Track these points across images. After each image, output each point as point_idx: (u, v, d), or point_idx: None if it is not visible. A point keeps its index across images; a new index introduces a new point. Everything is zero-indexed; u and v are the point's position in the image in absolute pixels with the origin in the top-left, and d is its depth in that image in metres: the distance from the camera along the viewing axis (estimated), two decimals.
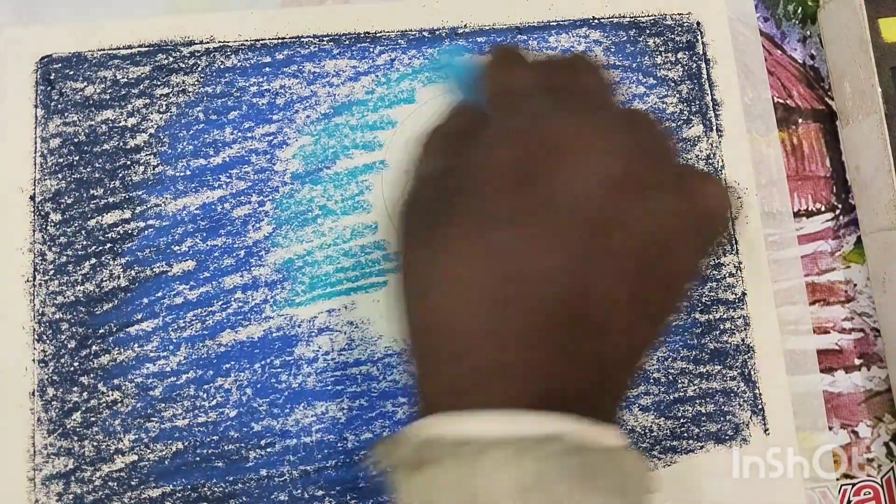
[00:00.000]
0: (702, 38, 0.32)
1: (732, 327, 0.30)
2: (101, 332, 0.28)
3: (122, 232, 0.29)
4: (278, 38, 0.31)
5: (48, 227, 0.28)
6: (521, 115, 0.20)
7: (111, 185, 0.29)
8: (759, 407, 0.30)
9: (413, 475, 0.17)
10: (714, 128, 0.32)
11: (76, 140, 0.29)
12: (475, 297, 0.18)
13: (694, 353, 0.30)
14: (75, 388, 0.27)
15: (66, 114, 0.29)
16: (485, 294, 0.18)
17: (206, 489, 0.27)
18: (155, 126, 0.29)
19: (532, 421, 0.17)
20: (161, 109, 0.30)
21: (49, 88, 0.29)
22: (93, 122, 0.29)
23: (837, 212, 0.32)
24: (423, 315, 0.20)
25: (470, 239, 0.19)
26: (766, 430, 0.30)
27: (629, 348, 0.20)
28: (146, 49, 0.30)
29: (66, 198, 0.29)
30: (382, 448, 0.19)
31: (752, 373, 0.30)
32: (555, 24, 0.32)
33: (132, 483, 0.27)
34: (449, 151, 0.21)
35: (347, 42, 0.31)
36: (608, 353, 0.19)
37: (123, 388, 0.27)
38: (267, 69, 0.30)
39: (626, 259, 0.18)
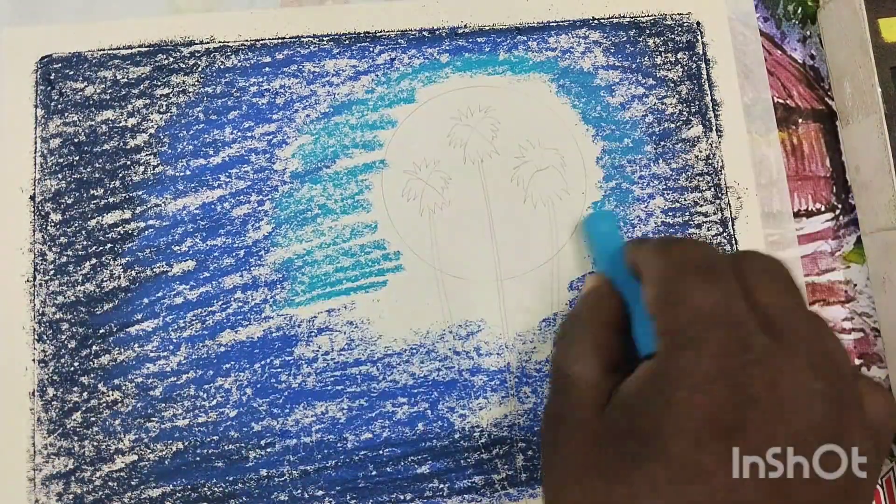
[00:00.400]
0: (702, 38, 0.32)
1: None
2: (101, 332, 0.28)
3: (122, 232, 0.29)
4: (278, 38, 0.31)
5: (48, 227, 0.28)
6: (717, 350, 0.18)
7: (111, 185, 0.29)
8: None
9: None
10: (714, 128, 0.32)
11: (76, 140, 0.29)
12: None
13: None
14: (75, 388, 0.27)
15: (66, 114, 0.29)
16: None
17: (206, 489, 0.27)
18: (155, 126, 0.29)
19: None
20: (161, 109, 0.30)
21: (49, 88, 0.29)
22: (93, 122, 0.29)
23: (837, 212, 0.32)
24: None
25: (661, 497, 0.17)
26: None
27: None
28: (146, 49, 0.30)
29: (66, 198, 0.29)
30: None
31: None
32: (555, 24, 0.32)
33: (132, 483, 0.27)
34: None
35: (347, 42, 0.31)
36: None
37: (123, 388, 0.27)
38: (267, 69, 0.30)
39: None
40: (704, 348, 0.18)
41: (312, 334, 0.28)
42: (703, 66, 0.32)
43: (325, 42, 0.31)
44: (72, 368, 0.27)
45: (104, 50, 0.30)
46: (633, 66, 0.32)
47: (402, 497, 0.28)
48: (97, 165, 0.29)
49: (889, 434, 0.20)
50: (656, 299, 0.20)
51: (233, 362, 0.28)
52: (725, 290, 0.19)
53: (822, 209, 0.32)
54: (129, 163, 0.29)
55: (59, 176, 0.29)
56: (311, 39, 0.31)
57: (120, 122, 0.29)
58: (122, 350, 0.28)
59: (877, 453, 0.19)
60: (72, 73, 0.29)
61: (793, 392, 0.18)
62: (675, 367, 0.18)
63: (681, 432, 0.17)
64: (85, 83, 0.29)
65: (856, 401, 0.19)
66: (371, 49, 0.31)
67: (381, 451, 0.28)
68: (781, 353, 0.18)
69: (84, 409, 0.27)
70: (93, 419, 0.27)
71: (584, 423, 0.20)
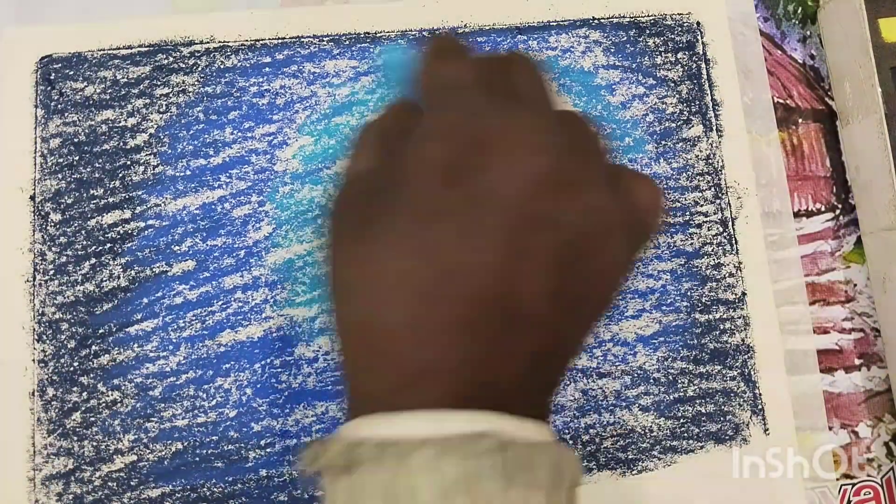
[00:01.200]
0: (702, 38, 0.32)
1: (732, 327, 0.30)
2: (101, 332, 0.28)
3: (122, 232, 0.29)
4: (278, 38, 0.31)
5: (48, 227, 0.28)
6: (453, 110, 0.20)
7: (111, 185, 0.29)
8: (759, 407, 0.30)
9: (339, 478, 0.17)
10: (714, 128, 0.32)
11: (76, 140, 0.29)
12: (404, 294, 0.18)
13: (694, 353, 0.30)
14: (75, 388, 0.27)
15: (66, 114, 0.29)
16: (414, 291, 0.18)
17: (205, 489, 0.27)
18: (155, 126, 0.29)
19: (459, 420, 0.17)
20: (161, 109, 0.30)
21: (49, 88, 0.29)
22: (93, 122, 0.29)
23: (837, 212, 0.32)
24: (352, 313, 0.19)
25: (399, 235, 0.19)
26: (766, 430, 0.30)
27: (559, 343, 0.20)
28: (146, 49, 0.30)
29: (66, 198, 0.29)
30: (311, 451, 0.18)
31: (752, 373, 0.30)
32: (555, 24, 0.32)
33: (132, 483, 0.27)
34: (381, 148, 0.21)
35: (347, 42, 0.31)
36: (538, 347, 0.19)
37: (123, 388, 0.27)
38: (267, 69, 0.30)
39: (554, 254, 0.19)
40: (447, 109, 0.21)
41: (313, 334, 0.28)
42: (704, 66, 0.32)
43: (325, 42, 0.31)
44: (72, 368, 0.27)
45: (104, 50, 0.30)
46: (634, 65, 0.32)
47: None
48: (97, 165, 0.29)
49: (651, 220, 0.22)
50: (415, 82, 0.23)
51: (233, 362, 0.28)
52: (473, 66, 0.22)
53: (822, 209, 0.32)
54: (129, 163, 0.29)
55: (59, 176, 0.29)
56: (311, 39, 0.31)
57: (120, 122, 0.29)
58: (122, 350, 0.28)
59: (637, 236, 0.21)
60: (72, 73, 0.29)
61: (531, 140, 0.19)
62: (420, 126, 0.20)
63: (417, 177, 0.19)
64: (85, 83, 0.29)
65: (603, 167, 0.21)
66: (371, 49, 0.31)
67: None
68: (523, 113, 0.20)
69: (84, 409, 0.27)
70: (93, 419, 0.27)
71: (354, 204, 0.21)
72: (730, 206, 0.31)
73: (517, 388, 0.19)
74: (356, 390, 0.20)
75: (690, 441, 0.29)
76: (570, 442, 0.29)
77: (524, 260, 0.18)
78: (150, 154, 0.29)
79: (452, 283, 0.18)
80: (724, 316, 0.30)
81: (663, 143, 0.31)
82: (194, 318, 0.28)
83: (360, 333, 0.19)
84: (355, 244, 0.19)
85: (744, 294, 0.31)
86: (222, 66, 0.30)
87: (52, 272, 0.28)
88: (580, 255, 0.19)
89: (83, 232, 0.28)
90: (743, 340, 0.30)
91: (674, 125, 0.32)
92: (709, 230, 0.31)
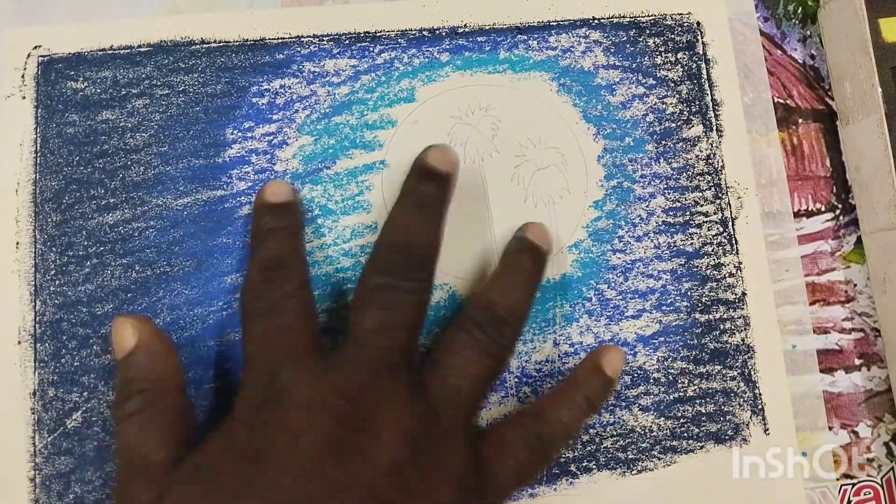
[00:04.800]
0: (702, 38, 0.32)
1: (732, 327, 0.30)
2: (101, 332, 0.28)
3: (122, 232, 0.29)
4: (278, 38, 0.31)
5: (48, 227, 0.28)
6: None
7: (111, 185, 0.29)
8: (759, 407, 0.30)
9: None
10: (714, 128, 0.32)
11: (76, 140, 0.29)
12: None
13: (694, 353, 0.30)
14: (75, 388, 0.27)
15: (66, 114, 0.29)
16: None
17: None
18: (155, 126, 0.29)
19: None
20: (161, 109, 0.30)
21: (49, 88, 0.29)
22: (93, 122, 0.29)
23: (837, 212, 0.32)
24: None
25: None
26: (766, 430, 0.30)
27: None
28: (146, 49, 0.30)
29: (66, 198, 0.29)
30: None
31: (752, 373, 0.30)
32: (555, 24, 0.32)
33: None
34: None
35: (347, 42, 0.31)
36: None
37: None
38: (267, 69, 0.30)
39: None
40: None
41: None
42: (704, 65, 0.32)
43: (325, 42, 0.31)
44: (72, 368, 0.27)
45: (104, 50, 0.30)
46: (634, 65, 0.32)
47: None
48: (97, 165, 0.29)
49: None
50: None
51: (233, 362, 0.28)
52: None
53: (822, 209, 0.32)
54: (129, 163, 0.29)
55: (59, 176, 0.29)
56: (311, 39, 0.31)
57: (120, 122, 0.29)
58: None
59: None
60: (72, 73, 0.29)
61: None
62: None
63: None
64: (85, 83, 0.29)
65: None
66: (371, 49, 0.31)
67: None
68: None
69: (84, 409, 0.27)
70: (93, 419, 0.27)
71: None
72: (730, 206, 0.31)
73: None
74: None
75: (690, 441, 0.29)
76: (572, 442, 0.29)
77: None
78: (150, 154, 0.29)
79: None
80: (724, 316, 0.30)
81: (663, 143, 0.31)
82: (195, 318, 0.28)
83: None
84: None
85: (744, 294, 0.31)
86: (222, 66, 0.30)
87: (52, 272, 0.28)
88: None
89: (83, 232, 0.28)
90: (743, 340, 0.30)
91: (674, 125, 0.32)
92: (709, 230, 0.31)
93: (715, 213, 0.31)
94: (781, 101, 0.33)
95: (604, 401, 0.26)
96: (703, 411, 0.30)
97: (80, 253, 0.28)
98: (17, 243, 0.28)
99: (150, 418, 0.22)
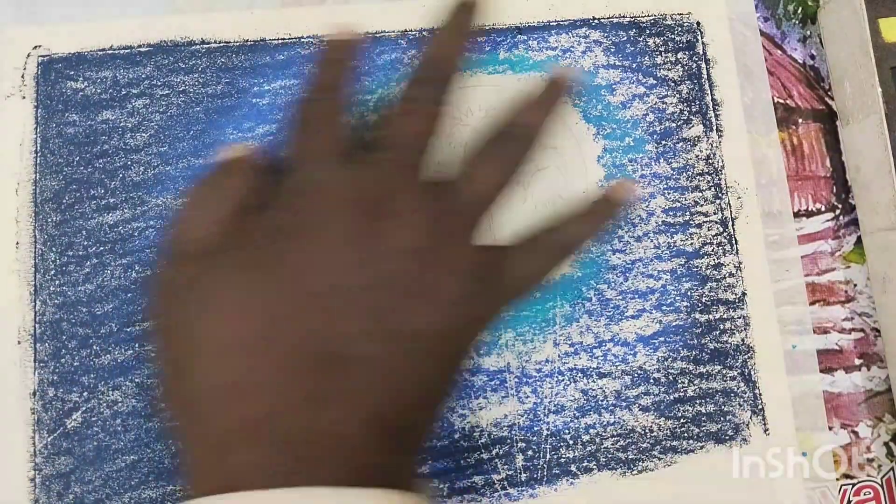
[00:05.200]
0: (702, 38, 0.32)
1: (732, 327, 0.30)
2: (101, 332, 0.28)
3: (122, 232, 0.29)
4: (278, 38, 0.31)
5: (48, 227, 0.28)
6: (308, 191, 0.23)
7: (111, 185, 0.29)
8: (759, 407, 0.30)
9: None
10: (714, 128, 0.32)
11: (76, 140, 0.29)
12: (231, 351, 0.19)
13: (694, 353, 0.30)
14: (75, 388, 0.27)
15: (66, 114, 0.29)
16: (239, 347, 0.19)
17: None
18: (155, 126, 0.29)
19: (272, 499, 0.17)
20: (161, 109, 0.30)
21: (49, 88, 0.29)
22: (93, 122, 0.29)
23: (837, 212, 0.32)
24: (188, 381, 0.20)
25: (231, 290, 0.20)
26: (766, 430, 0.30)
27: (398, 389, 0.20)
28: (146, 49, 0.30)
29: (66, 198, 0.29)
30: None
31: (752, 373, 0.30)
32: (555, 24, 0.32)
33: (132, 483, 0.27)
34: (223, 216, 0.23)
35: None
36: (372, 395, 0.19)
37: (123, 388, 0.27)
38: (267, 69, 0.30)
39: (372, 295, 0.20)
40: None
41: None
42: (703, 66, 0.32)
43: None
44: (72, 368, 0.27)
45: (104, 50, 0.30)
46: (634, 65, 0.32)
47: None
48: (97, 165, 0.29)
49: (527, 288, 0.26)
50: None
51: None
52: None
53: (822, 209, 0.32)
54: (129, 163, 0.29)
55: (59, 176, 0.29)
56: (311, 40, 0.31)
57: (120, 122, 0.29)
58: (122, 350, 0.28)
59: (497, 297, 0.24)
60: (72, 73, 0.29)
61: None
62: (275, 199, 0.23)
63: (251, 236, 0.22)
64: (85, 83, 0.29)
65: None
66: (371, 49, 0.31)
67: None
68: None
69: (84, 409, 0.27)
70: (93, 419, 0.27)
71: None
72: (730, 206, 0.31)
73: (362, 449, 0.19)
74: (182, 464, 0.20)
75: (690, 441, 0.29)
76: (571, 442, 0.29)
77: (341, 302, 0.20)
78: (150, 154, 0.29)
79: (275, 334, 0.19)
80: (724, 316, 0.30)
81: (663, 143, 0.31)
82: None
83: (189, 401, 0.20)
84: (186, 308, 0.20)
85: (744, 294, 0.31)
86: (222, 66, 0.30)
87: (52, 272, 0.28)
88: (405, 296, 0.21)
89: (83, 232, 0.28)
90: (743, 340, 0.30)
91: (674, 125, 0.32)
92: (709, 230, 0.31)
93: (715, 213, 0.31)
94: (781, 101, 0.33)
95: (612, 221, 0.28)
96: (704, 411, 0.30)
97: (80, 253, 0.28)
98: (17, 243, 0.28)
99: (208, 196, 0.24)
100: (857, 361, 0.31)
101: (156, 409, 0.23)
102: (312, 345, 0.19)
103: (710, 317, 0.30)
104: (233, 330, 0.20)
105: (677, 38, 0.32)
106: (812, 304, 0.32)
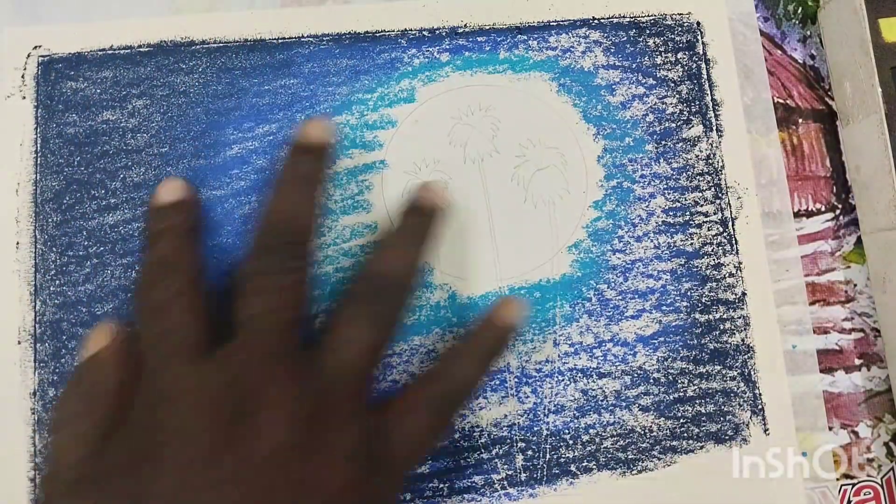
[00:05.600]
0: (702, 38, 0.32)
1: (732, 327, 0.30)
2: None
3: (122, 232, 0.29)
4: (278, 38, 0.31)
5: (48, 227, 0.28)
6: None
7: (111, 186, 0.29)
8: (759, 407, 0.30)
9: None
10: (714, 128, 0.32)
11: (76, 140, 0.29)
12: None
13: (694, 353, 0.30)
14: None
15: (66, 114, 0.29)
16: None
17: None
18: (155, 126, 0.29)
19: None
20: (161, 110, 0.30)
21: (49, 88, 0.29)
22: (93, 122, 0.29)
23: (837, 212, 0.32)
24: None
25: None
26: (766, 430, 0.30)
27: None
28: (146, 49, 0.30)
29: (66, 198, 0.29)
30: None
31: (752, 373, 0.30)
32: (555, 24, 0.32)
33: None
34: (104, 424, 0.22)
35: (347, 42, 0.31)
36: None
37: None
38: (267, 69, 0.30)
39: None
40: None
41: (312, 334, 0.28)
42: (703, 66, 0.32)
43: (325, 42, 0.31)
44: (72, 368, 0.27)
45: (104, 50, 0.30)
46: (634, 65, 0.32)
47: (401, 497, 0.28)
48: (97, 165, 0.29)
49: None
50: None
51: None
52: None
53: (822, 209, 0.32)
54: (129, 163, 0.29)
55: (59, 176, 0.29)
56: (311, 39, 0.31)
57: (120, 122, 0.29)
58: None
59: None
60: (72, 73, 0.29)
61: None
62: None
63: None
64: (85, 83, 0.29)
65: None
66: (371, 49, 0.31)
67: None
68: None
69: None
70: None
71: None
72: (730, 206, 0.31)
73: None
74: None
75: (690, 441, 0.29)
76: (570, 442, 0.29)
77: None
78: (150, 154, 0.29)
79: None
80: (724, 316, 0.30)
81: (663, 143, 0.31)
82: None
83: None
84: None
85: (744, 294, 0.31)
86: (222, 66, 0.30)
87: (52, 272, 0.28)
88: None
89: (84, 232, 0.28)
90: (743, 340, 0.30)
91: (674, 125, 0.32)
92: (709, 230, 0.31)
93: (715, 213, 0.31)
94: (781, 101, 0.33)
95: (501, 353, 0.26)
96: (703, 411, 0.30)
97: (80, 253, 0.28)
98: (17, 243, 0.28)
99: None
100: (857, 361, 0.31)
101: None
102: None
103: (710, 317, 0.30)
104: None
105: (677, 38, 0.32)
106: (812, 304, 0.32)
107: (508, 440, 0.28)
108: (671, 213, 0.31)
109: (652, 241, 0.31)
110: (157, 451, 0.20)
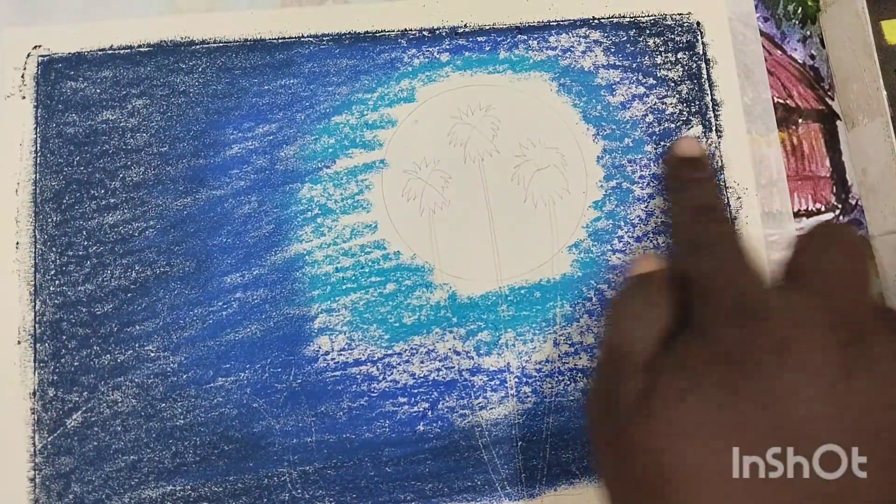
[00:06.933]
0: (702, 38, 0.32)
1: None
2: (101, 332, 0.28)
3: (122, 232, 0.29)
4: (278, 38, 0.31)
5: (48, 227, 0.28)
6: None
7: (111, 186, 0.29)
8: None
9: None
10: (714, 128, 0.32)
11: (76, 140, 0.29)
12: (715, 488, 0.18)
13: None
14: (75, 388, 0.27)
15: (66, 114, 0.29)
16: (723, 483, 0.18)
17: (206, 489, 0.27)
18: (155, 126, 0.29)
19: None
20: (161, 109, 0.30)
21: (49, 88, 0.29)
22: (93, 122, 0.29)
23: (838, 212, 0.32)
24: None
25: (701, 413, 0.18)
26: None
27: None
28: (146, 49, 0.30)
29: (66, 198, 0.29)
30: None
31: None
32: (555, 24, 0.32)
33: (132, 483, 0.27)
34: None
35: (347, 42, 0.31)
36: None
37: (123, 388, 0.27)
38: (267, 69, 0.30)
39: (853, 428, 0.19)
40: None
41: (312, 334, 0.28)
42: (703, 66, 0.32)
43: (325, 42, 0.31)
44: (72, 368, 0.27)
45: (104, 50, 0.30)
46: (634, 65, 0.32)
47: (402, 497, 0.28)
48: (97, 165, 0.29)
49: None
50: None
51: (233, 362, 0.28)
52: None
53: (823, 209, 0.32)
54: (129, 163, 0.29)
55: (59, 176, 0.29)
56: (311, 39, 0.31)
57: (120, 122, 0.29)
58: (122, 350, 0.28)
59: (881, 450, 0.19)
60: (72, 73, 0.29)
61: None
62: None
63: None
64: (85, 83, 0.29)
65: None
66: (371, 49, 0.31)
67: (381, 451, 0.28)
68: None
69: (84, 409, 0.27)
70: (93, 419, 0.27)
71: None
72: (729, 206, 0.31)
73: None
74: None
75: None
76: (571, 442, 0.29)
77: (828, 434, 0.18)
78: (150, 154, 0.29)
79: (761, 469, 0.18)
80: None
81: (663, 143, 0.31)
82: (195, 317, 0.28)
83: None
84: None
85: None
86: (222, 66, 0.30)
87: (52, 272, 0.28)
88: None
89: (83, 232, 0.28)
90: None
91: (674, 125, 0.32)
92: None
93: None
94: (781, 101, 0.33)
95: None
96: None
97: (80, 253, 0.28)
98: (17, 243, 0.28)
99: (642, 312, 0.23)
100: None
101: None
102: (803, 485, 0.18)
103: None
104: (710, 460, 0.18)
105: (677, 38, 0.32)
106: None
107: (509, 440, 0.28)
108: (671, 213, 0.31)
109: (652, 241, 0.31)
110: (756, 355, 0.19)
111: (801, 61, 0.34)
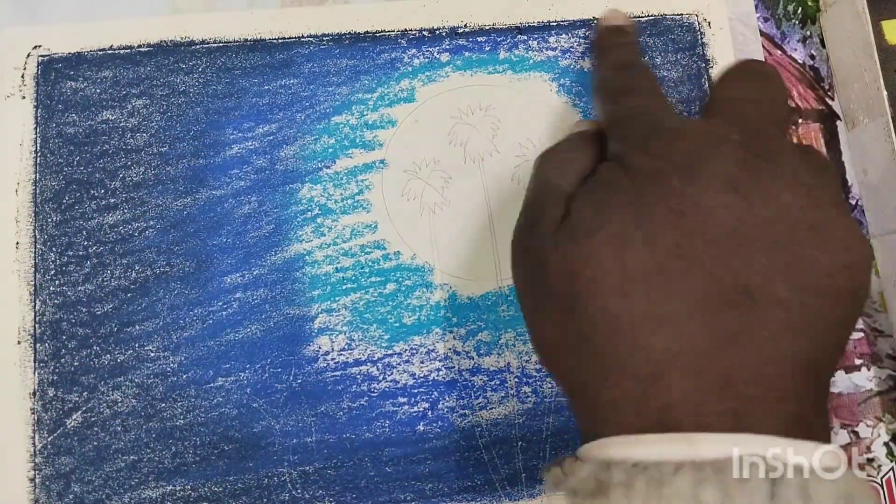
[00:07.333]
0: (702, 38, 0.32)
1: None
2: (101, 332, 0.28)
3: (122, 232, 0.29)
4: (278, 38, 0.31)
5: (48, 227, 0.28)
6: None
7: (111, 185, 0.29)
8: None
9: (587, 502, 0.17)
10: None
11: (76, 140, 0.29)
12: (639, 284, 0.18)
13: None
14: (75, 388, 0.27)
15: (66, 114, 0.29)
16: (647, 279, 0.18)
17: (206, 489, 0.27)
18: (155, 126, 0.29)
19: (718, 442, 0.16)
20: (161, 109, 0.30)
21: (49, 88, 0.29)
22: (93, 122, 0.29)
23: None
24: (594, 313, 0.19)
25: (628, 222, 0.19)
26: None
27: (812, 343, 0.18)
28: (146, 49, 0.30)
29: (66, 198, 0.29)
30: (555, 471, 0.18)
31: None
32: (555, 24, 0.32)
33: (132, 483, 0.27)
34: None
35: (347, 42, 0.31)
36: (791, 346, 0.18)
37: (123, 388, 0.27)
38: (267, 69, 0.30)
39: (767, 232, 0.19)
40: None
41: (312, 334, 0.28)
42: (704, 65, 0.32)
43: (325, 42, 0.31)
44: (72, 368, 0.27)
45: (104, 50, 0.30)
46: None
47: (402, 497, 0.28)
48: (97, 165, 0.29)
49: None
50: None
51: (233, 362, 0.28)
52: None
53: None
54: (129, 163, 0.29)
55: (59, 176, 0.29)
56: (311, 39, 0.31)
57: (120, 122, 0.29)
58: (122, 350, 0.28)
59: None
60: (72, 72, 0.29)
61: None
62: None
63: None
64: (85, 83, 0.29)
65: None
66: (371, 49, 0.31)
67: (381, 451, 0.28)
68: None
69: (84, 409, 0.27)
70: (93, 419, 0.27)
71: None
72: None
73: (793, 398, 0.18)
74: (594, 402, 0.19)
75: None
76: (571, 442, 0.29)
77: (744, 240, 0.18)
78: (150, 154, 0.29)
79: (681, 267, 0.18)
80: None
81: None
82: (194, 317, 0.28)
83: (604, 331, 0.19)
84: (600, 243, 0.19)
85: None
86: (222, 66, 0.30)
87: (52, 272, 0.28)
88: (808, 245, 0.19)
89: (83, 232, 0.28)
90: None
91: None
92: None
93: None
94: None
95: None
96: None
97: (80, 253, 0.28)
98: (17, 243, 0.28)
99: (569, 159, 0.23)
100: (858, 361, 0.31)
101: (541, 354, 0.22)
102: (721, 281, 0.18)
103: None
104: (635, 261, 0.18)
105: (677, 38, 0.32)
106: None
107: (509, 440, 0.28)
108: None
109: None
110: (664, 170, 0.19)
111: (801, 61, 0.34)
